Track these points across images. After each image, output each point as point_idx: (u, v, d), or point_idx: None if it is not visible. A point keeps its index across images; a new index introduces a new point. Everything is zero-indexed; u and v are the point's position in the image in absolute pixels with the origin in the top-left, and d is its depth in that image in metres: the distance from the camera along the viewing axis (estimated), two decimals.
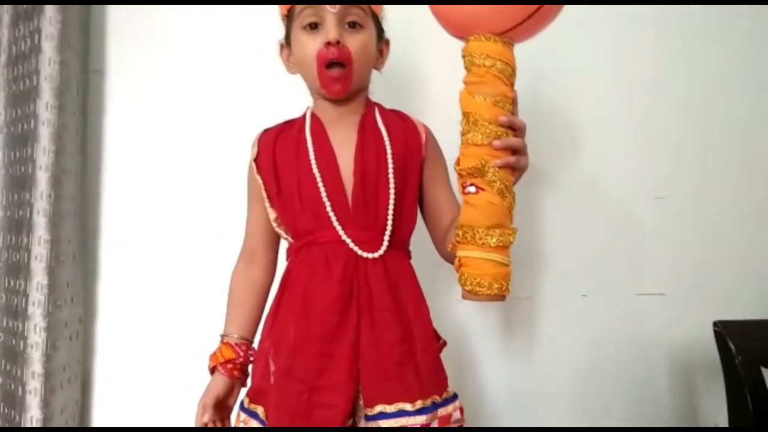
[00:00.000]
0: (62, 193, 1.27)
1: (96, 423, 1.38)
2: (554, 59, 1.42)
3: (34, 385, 1.24)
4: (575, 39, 1.44)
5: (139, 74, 1.41)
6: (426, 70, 1.44)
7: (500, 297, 0.82)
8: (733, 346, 1.07)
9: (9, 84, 1.33)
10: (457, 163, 0.84)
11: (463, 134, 0.83)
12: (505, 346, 1.51)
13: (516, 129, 0.83)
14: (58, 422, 1.27)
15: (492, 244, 0.80)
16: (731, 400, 1.08)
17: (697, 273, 1.55)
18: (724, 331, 1.10)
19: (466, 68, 0.83)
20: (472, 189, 0.81)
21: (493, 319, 1.50)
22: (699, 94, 1.57)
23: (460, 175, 0.83)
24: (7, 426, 1.27)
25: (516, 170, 0.84)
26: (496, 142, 0.80)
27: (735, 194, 1.57)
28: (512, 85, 0.82)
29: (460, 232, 0.83)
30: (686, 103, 1.56)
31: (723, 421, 1.08)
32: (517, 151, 0.83)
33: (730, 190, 1.57)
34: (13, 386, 1.27)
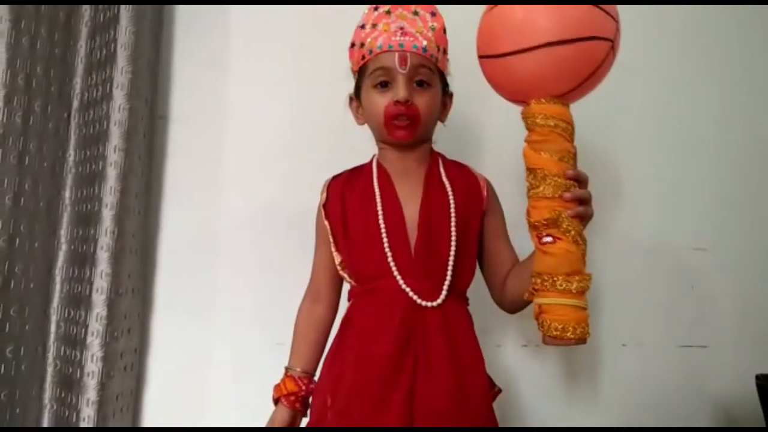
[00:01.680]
0: (125, 230, 1.35)
1: None
2: (594, 110, 1.47)
3: (87, 412, 1.29)
4: (614, 90, 1.49)
5: (202, 120, 1.50)
6: (483, 121, 1.50)
7: (582, 340, 0.85)
8: None
9: (80, 128, 1.43)
10: (529, 215, 0.88)
11: (532, 188, 0.88)
12: (547, 396, 1.53)
13: (581, 181, 0.88)
14: None
15: (573, 290, 0.84)
16: None
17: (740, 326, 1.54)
18: (766, 384, 1.10)
19: (529, 128, 0.88)
20: (549, 239, 0.86)
21: (534, 368, 1.52)
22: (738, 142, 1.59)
23: (535, 227, 0.87)
24: None
25: (584, 219, 0.88)
26: (567, 195, 0.85)
27: None
28: (573, 141, 0.88)
29: (539, 281, 0.86)
30: (726, 151, 1.58)
31: None
32: (584, 201, 0.87)
33: None
34: (67, 413, 1.33)
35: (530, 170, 0.88)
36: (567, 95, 0.87)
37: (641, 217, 1.56)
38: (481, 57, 0.91)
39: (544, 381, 1.53)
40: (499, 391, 1.05)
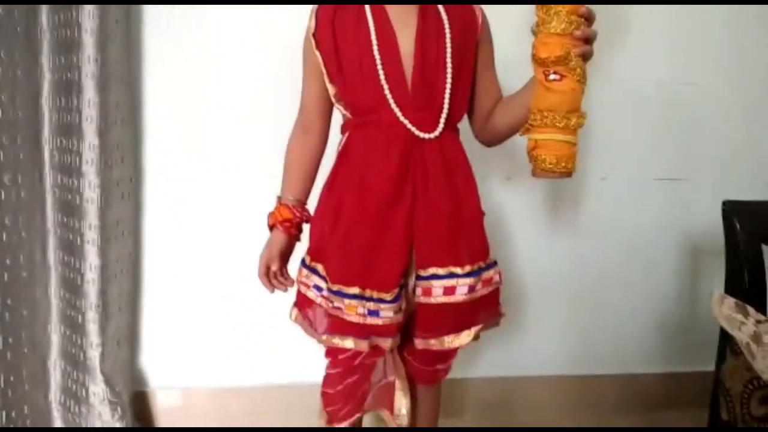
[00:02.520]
0: (108, 58, 1.32)
1: (148, 272, 1.54)
2: None
3: (91, 235, 1.37)
4: None
5: None
6: None
7: (570, 174, 0.90)
8: (737, 223, 1.14)
9: None
10: (537, 51, 0.87)
11: (542, 24, 0.86)
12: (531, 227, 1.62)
13: (590, 20, 0.87)
14: (113, 270, 1.42)
15: (570, 127, 0.87)
16: (729, 272, 1.17)
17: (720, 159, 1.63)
18: (731, 209, 1.17)
19: None
20: (556, 76, 0.86)
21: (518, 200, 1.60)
22: None
23: (543, 63, 0.87)
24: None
25: (587, 58, 0.88)
26: (577, 32, 0.84)
27: None
28: None
29: (539, 117, 0.88)
30: None
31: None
32: (591, 41, 0.87)
33: None
34: (71, 236, 1.40)
35: (542, 5, 0.86)
36: None
37: (637, 57, 1.56)
38: None
39: (528, 213, 1.61)
40: (483, 214, 1.11)
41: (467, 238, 1.00)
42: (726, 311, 1.04)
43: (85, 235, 1.36)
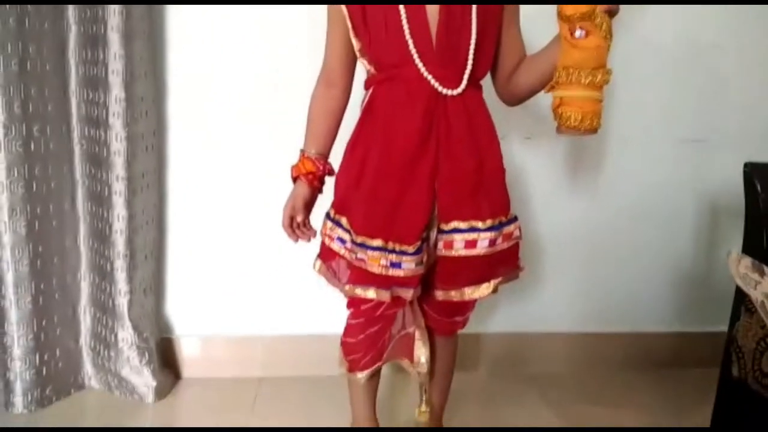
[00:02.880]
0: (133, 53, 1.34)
1: (173, 223, 1.58)
2: None
3: (118, 187, 1.40)
4: None
5: None
6: None
7: (595, 131, 0.91)
8: (758, 185, 1.15)
9: None
10: (563, 8, 0.87)
11: None
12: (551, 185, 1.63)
13: None
14: (140, 221, 1.45)
15: (596, 83, 0.88)
16: (748, 232, 1.18)
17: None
18: (752, 171, 1.17)
19: None
20: (582, 33, 0.86)
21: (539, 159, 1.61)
22: None
23: (569, 20, 0.87)
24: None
25: (613, 15, 0.88)
26: None
27: None
28: None
29: (564, 74, 0.88)
30: None
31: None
32: None
33: None
34: (99, 188, 1.43)
35: None
36: None
37: (662, 16, 1.54)
38: None
39: (548, 172, 1.62)
40: (504, 170, 1.12)
41: (488, 193, 1.02)
42: (742, 270, 1.06)
43: (112, 186, 1.40)
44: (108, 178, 1.40)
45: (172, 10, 1.46)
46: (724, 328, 1.18)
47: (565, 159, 1.62)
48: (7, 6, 1.24)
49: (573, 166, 1.63)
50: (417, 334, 1.17)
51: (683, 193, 1.66)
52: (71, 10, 1.37)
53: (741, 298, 1.12)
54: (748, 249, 1.17)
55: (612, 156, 1.63)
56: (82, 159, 1.45)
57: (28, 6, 1.27)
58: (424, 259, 1.03)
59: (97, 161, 1.41)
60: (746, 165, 1.18)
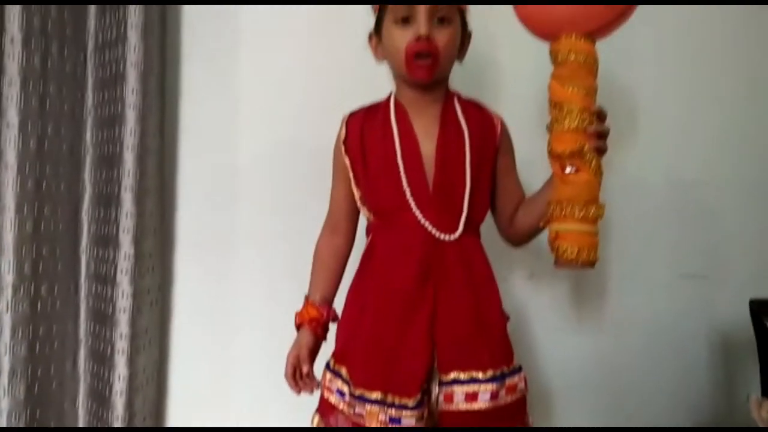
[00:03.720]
0: (146, 171, 1.39)
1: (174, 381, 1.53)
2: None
3: (122, 345, 1.37)
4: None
5: (216, 57, 1.51)
6: (499, 61, 1.52)
7: (593, 264, 0.93)
8: (767, 322, 1.16)
9: (97, 69, 1.44)
10: (553, 146, 0.94)
11: (556, 121, 0.93)
12: (554, 325, 1.62)
13: (602, 117, 0.94)
14: (140, 380, 1.41)
15: (589, 217, 0.92)
16: (764, 373, 1.17)
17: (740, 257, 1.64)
18: (759, 308, 1.19)
19: (558, 63, 0.93)
20: (572, 169, 0.92)
21: (541, 299, 1.61)
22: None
23: (559, 158, 0.93)
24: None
25: (602, 153, 0.94)
26: (591, 128, 0.91)
27: None
28: (596, 78, 0.93)
29: (558, 208, 0.93)
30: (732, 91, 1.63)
31: (756, 391, 1.18)
32: (604, 136, 0.93)
33: None
34: (102, 346, 1.40)
35: (556, 103, 0.92)
36: (595, 32, 0.92)
37: (650, 152, 1.62)
38: None
39: (551, 311, 1.62)
40: (508, 318, 1.12)
41: (489, 342, 1.01)
42: (765, 414, 1.04)
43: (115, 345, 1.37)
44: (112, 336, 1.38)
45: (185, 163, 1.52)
46: None
47: (570, 295, 1.63)
48: (27, 168, 1.29)
49: (577, 301, 1.63)
50: None
51: (691, 330, 1.64)
52: (87, 172, 1.43)
53: None
54: (766, 390, 1.16)
55: (615, 292, 1.63)
56: (87, 318, 1.44)
57: (47, 167, 1.32)
58: (425, 415, 0.99)
59: (102, 318, 1.40)
60: (752, 302, 1.21)
